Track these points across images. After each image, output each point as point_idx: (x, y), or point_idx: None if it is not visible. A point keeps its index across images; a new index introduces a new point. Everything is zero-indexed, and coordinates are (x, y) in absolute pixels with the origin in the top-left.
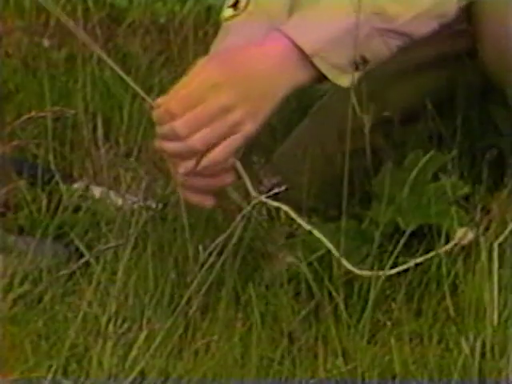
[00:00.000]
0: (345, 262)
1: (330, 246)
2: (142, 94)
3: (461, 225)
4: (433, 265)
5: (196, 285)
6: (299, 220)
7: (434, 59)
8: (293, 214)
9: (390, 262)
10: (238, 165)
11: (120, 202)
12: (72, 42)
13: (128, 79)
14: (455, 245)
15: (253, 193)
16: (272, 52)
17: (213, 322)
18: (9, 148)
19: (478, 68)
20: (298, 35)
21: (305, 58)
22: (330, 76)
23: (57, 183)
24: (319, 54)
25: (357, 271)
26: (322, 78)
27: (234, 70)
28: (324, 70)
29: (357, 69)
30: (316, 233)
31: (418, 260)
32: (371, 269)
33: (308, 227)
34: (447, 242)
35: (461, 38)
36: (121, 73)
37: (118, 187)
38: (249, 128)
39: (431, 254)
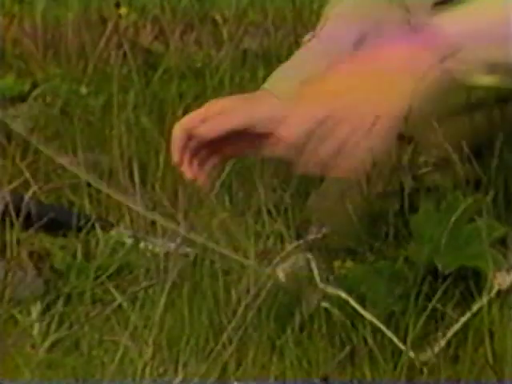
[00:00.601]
0: (409, 352)
1: (390, 335)
2: None
3: (498, 268)
4: (470, 310)
5: (231, 329)
6: (361, 310)
7: (477, 100)
8: (353, 303)
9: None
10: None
11: (157, 248)
12: (109, 89)
13: None
14: (500, 292)
15: (319, 283)
16: None
17: (248, 366)
18: (44, 191)
19: None
20: None
21: None
22: None
23: (93, 229)
24: None
25: (417, 359)
26: None
27: None
28: None
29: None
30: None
31: (470, 314)
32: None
33: (369, 317)
34: (478, 283)
35: None
36: None
37: (154, 233)
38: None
39: (479, 303)
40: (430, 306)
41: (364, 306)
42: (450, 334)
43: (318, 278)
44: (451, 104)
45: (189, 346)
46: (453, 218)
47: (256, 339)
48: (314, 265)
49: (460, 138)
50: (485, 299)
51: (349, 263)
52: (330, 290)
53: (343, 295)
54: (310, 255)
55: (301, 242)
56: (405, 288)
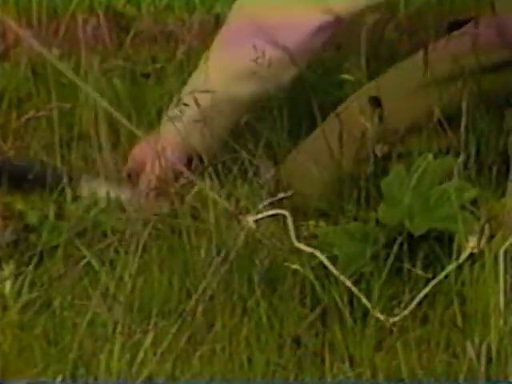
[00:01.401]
0: (377, 314)
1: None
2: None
3: (470, 231)
4: (439, 272)
5: (202, 290)
6: (331, 267)
7: (454, 73)
8: (326, 261)
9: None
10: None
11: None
12: (80, 52)
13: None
14: (470, 255)
15: (294, 241)
16: None
17: (220, 326)
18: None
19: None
20: None
21: None
22: None
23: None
24: None
25: (384, 319)
26: None
27: None
28: None
29: None
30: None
31: (434, 281)
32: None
33: (340, 277)
34: (450, 245)
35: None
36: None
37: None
38: None
39: (450, 267)
40: (397, 266)
41: (335, 267)
42: (419, 296)
43: (293, 236)
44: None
45: (159, 306)
46: (415, 177)
47: (227, 300)
48: (289, 222)
49: (433, 106)
50: (455, 263)
51: (321, 224)
52: (304, 247)
53: (318, 254)
54: (286, 212)
55: (271, 199)
56: (376, 249)
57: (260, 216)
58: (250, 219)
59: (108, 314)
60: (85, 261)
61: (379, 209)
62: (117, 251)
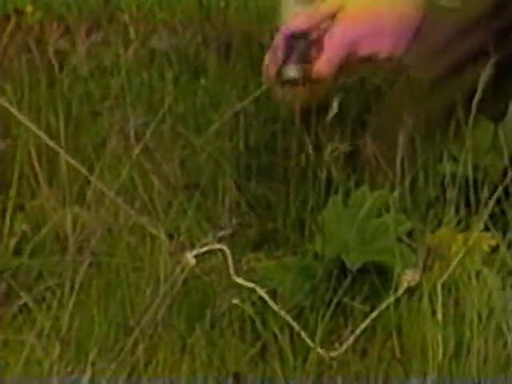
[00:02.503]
0: (317, 349)
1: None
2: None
3: (406, 264)
4: (377, 305)
5: (141, 328)
6: (271, 303)
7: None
8: (265, 296)
9: (335, 300)
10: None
11: None
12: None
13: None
14: (408, 288)
15: (233, 276)
16: None
17: (159, 365)
18: None
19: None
20: None
21: None
22: None
23: None
24: None
25: (324, 354)
26: None
27: None
28: None
29: None
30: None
31: (374, 314)
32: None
33: (280, 312)
34: (389, 279)
35: None
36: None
37: None
38: None
39: (388, 300)
40: (336, 300)
41: (275, 301)
42: (358, 330)
43: (232, 271)
44: None
45: (98, 344)
46: (361, 214)
47: (166, 338)
48: (229, 257)
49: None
50: (393, 296)
51: (261, 256)
52: (244, 283)
53: (258, 289)
54: (225, 247)
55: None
56: (314, 283)
57: (198, 251)
58: (190, 255)
59: (44, 353)
60: (21, 302)
61: (316, 241)
62: (53, 291)
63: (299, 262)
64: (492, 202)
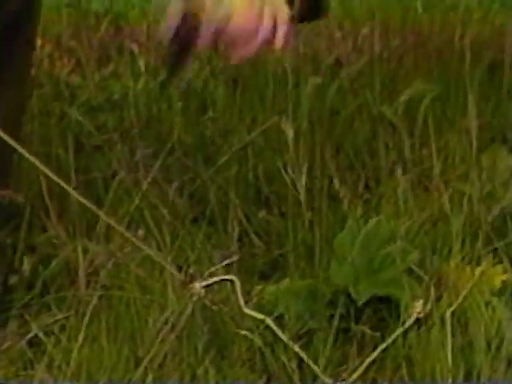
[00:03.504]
0: (325, 379)
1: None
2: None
3: (414, 296)
4: (387, 336)
5: (151, 358)
6: (280, 334)
7: None
8: (274, 327)
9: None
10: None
11: None
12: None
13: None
14: (417, 319)
15: (243, 307)
16: None
17: None
18: None
19: None
20: None
21: None
22: None
23: None
24: None
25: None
26: None
27: None
28: None
29: None
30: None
31: (384, 345)
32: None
33: (297, 349)
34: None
35: None
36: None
37: None
38: None
39: (397, 332)
40: (344, 326)
41: (282, 329)
42: (367, 361)
43: (241, 301)
44: None
45: (107, 375)
46: (373, 241)
47: (176, 367)
48: (238, 287)
49: None
50: (401, 328)
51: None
52: (254, 314)
53: (267, 320)
54: (234, 278)
55: (219, 265)
56: (321, 307)
57: (208, 282)
58: (198, 286)
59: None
60: (32, 334)
61: (331, 267)
62: (63, 324)
63: (307, 287)
64: None
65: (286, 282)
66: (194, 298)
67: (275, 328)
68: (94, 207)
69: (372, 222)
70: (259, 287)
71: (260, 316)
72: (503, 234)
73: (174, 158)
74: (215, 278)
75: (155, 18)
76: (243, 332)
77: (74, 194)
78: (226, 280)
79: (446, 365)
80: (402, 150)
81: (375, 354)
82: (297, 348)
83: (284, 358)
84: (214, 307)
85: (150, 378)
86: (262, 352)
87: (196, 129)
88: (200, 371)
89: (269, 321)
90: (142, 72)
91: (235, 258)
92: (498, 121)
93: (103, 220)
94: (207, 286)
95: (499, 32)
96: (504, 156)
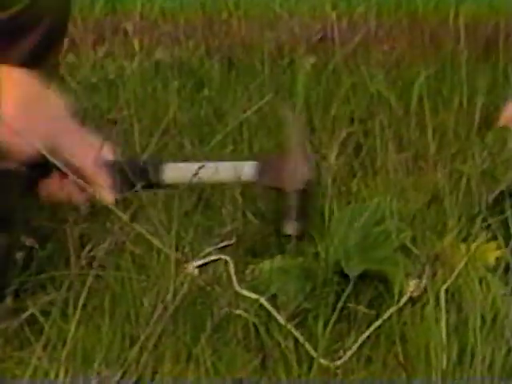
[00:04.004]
0: (320, 359)
1: (304, 341)
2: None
3: (408, 274)
4: (381, 313)
5: (146, 337)
6: (275, 313)
7: None
8: (269, 308)
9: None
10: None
11: None
12: None
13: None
14: (410, 298)
15: (236, 287)
16: None
17: (164, 374)
18: None
19: None
20: None
21: None
22: None
23: None
24: None
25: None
26: None
27: None
28: None
29: None
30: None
31: (378, 323)
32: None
33: (292, 328)
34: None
35: None
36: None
37: None
38: None
39: (391, 310)
40: (340, 305)
41: (276, 307)
42: (361, 339)
43: (235, 281)
44: None
45: (103, 354)
46: (364, 221)
47: (171, 347)
48: (231, 267)
49: None
50: (395, 306)
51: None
52: (247, 294)
53: (262, 300)
54: (227, 258)
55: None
56: (314, 285)
57: (201, 262)
58: (192, 266)
59: (50, 363)
60: (28, 312)
61: (324, 243)
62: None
63: (300, 265)
64: None
65: (279, 258)
66: (188, 278)
67: (269, 307)
68: (88, 187)
69: (368, 203)
70: (252, 266)
71: (254, 296)
72: (497, 210)
73: (169, 136)
74: (209, 258)
75: None
76: (238, 311)
77: (68, 172)
78: (220, 260)
79: (440, 342)
80: (398, 129)
81: (368, 331)
82: (291, 327)
83: (280, 338)
84: (208, 287)
85: (145, 356)
86: (257, 331)
87: (191, 108)
88: (196, 351)
89: (263, 300)
90: (136, 52)
91: (232, 241)
92: (493, 99)
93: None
94: (201, 265)
95: (494, 11)
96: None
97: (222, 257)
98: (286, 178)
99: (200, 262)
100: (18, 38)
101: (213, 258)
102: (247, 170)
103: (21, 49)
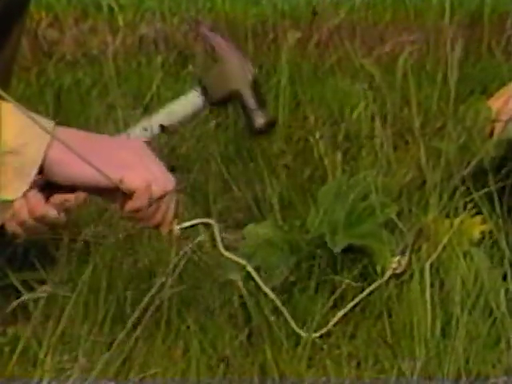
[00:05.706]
0: (299, 330)
1: (289, 318)
2: None
3: (392, 251)
4: (366, 287)
5: (135, 316)
6: (259, 281)
7: None
8: (254, 273)
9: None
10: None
11: None
12: None
13: None
14: (394, 274)
15: (222, 250)
16: None
17: (152, 351)
18: None
19: None
20: None
21: None
22: None
23: None
24: None
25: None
26: None
27: None
28: None
29: None
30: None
31: (361, 296)
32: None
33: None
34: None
35: None
36: None
37: None
38: None
39: (374, 285)
40: (324, 278)
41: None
42: (342, 311)
43: (220, 244)
44: None
45: (91, 333)
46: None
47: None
48: (216, 230)
49: None
50: (378, 282)
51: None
52: (234, 257)
53: (248, 267)
54: (212, 221)
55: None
56: (299, 258)
57: (186, 224)
58: (176, 227)
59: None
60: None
61: (309, 216)
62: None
63: (284, 238)
64: None
65: (266, 223)
66: (171, 239)
67: (254, 274)
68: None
69: (361, 175)
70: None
71: (241, 261)
72: (482, 185)
73: (152, 111)
74: (193, 221)
75: None
76: (230, 277)
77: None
78: (204, 224)
79: (424, 316)
80: (383, 104)
81: (351, 304)
82: (275, 298)
83: (266, 311)
84: (194, 256)
85: (138, 331)
86: (243, 305)
87: (175, 84)
88: (183, 327)
89: (250, 268)
90: (120, 27)
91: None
92: (477, 73)
93: None
94: (185, 228)
95: None
96: (483, 107)
97: (207, 220)
98: (233, 77)
99: (186, 225)
100: None
101: (198, 220)
102: (193, 98)
103: None
